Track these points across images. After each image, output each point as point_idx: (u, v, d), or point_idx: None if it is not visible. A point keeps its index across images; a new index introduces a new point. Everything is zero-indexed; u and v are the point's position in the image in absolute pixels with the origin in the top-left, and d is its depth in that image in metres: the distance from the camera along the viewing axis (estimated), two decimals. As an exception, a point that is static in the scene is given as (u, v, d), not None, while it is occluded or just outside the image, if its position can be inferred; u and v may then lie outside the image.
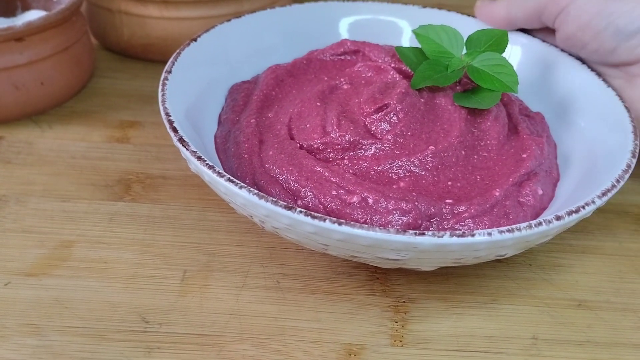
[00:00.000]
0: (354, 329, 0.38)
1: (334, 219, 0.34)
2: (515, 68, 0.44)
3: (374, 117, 0.42)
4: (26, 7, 0.58)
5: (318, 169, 0.39)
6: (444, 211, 0.38)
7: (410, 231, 0.33)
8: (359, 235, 0.33)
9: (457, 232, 0.33)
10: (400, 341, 0.37)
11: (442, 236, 0.33)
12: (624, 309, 0.40)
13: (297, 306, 0.39)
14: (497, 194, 0.39)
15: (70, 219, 0.44)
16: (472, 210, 0.38)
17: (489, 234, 0.34)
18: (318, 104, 0.44)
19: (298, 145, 0.42)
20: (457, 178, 0.41)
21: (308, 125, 0.42)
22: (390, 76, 0.45)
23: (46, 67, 0.52)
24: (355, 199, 0.38)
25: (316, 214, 0.34)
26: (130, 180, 0.48)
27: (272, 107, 0.47)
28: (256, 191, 0.35)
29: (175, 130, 0.39)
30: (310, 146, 0.41)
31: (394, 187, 0.40)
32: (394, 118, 0.42)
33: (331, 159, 0.41)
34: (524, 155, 0.42)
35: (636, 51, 0.43)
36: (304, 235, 0.35)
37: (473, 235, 0.33)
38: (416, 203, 0.38)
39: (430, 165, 0.40)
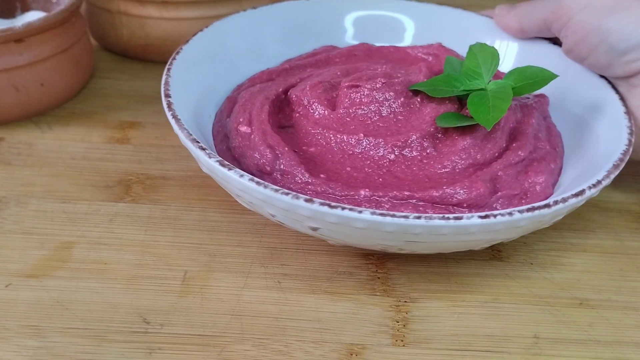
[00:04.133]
0: (356, 328, 0.38)
1: (184, 128, 0.39)
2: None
3: (344, 91, 0.45)
4: (25, 8, 0.58)
5: (255, 99, 0.45)
6: (296, 174, 0.40)
7: (212, 153, 0.37)
8: (185, 142, 0.39)
9: (283, 191, 0.35)
10: (402, 341, 0.37)
11: (226, 167, 0.36)
12: (626, 307, 0.40)
13: (298, 306, 0.39)
14: (363, 193, 0.39)
15: (71, 220, 0.44)
16: (319, 188, 0.39)
17: (254, 182, 0.35)
18: (338, 73, 0.48)
19: (282, 90, 0.47)
20: (359, 169, 0.42)
21: (308, 82, 0.46)
22: (414, 75, 0.46)
23: (46, 68, 0.52)
24: (244, 128, 0.43)
25: (182, 125, 0.39)
26: (130, 181, 0.48)
27: (318, 69, 0.50)
28: (175, 114, 0.40)
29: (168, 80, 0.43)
30: (289, 95, 0.46)
31: (304, 148, 0.43)
32: (356, 99, 0.44)
33: (291, 110, 0.46)
34: (444, 187, 0.39)
35: (629, 67, 0.43)
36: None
37: (259, 185, 0.35)
38: (278, 154, 0.41)
39: (346, 147, 0.42)
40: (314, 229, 0.37)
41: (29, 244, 0.42)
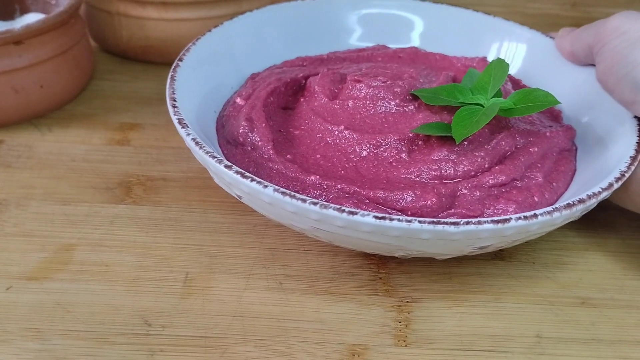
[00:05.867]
0: (358, 329, 0.38)
1: (171, 93, 0.42)
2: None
3: (347, 84, 0.45)
4: (25, 10, 0.58)
5: (268, 78, 0.47)
6: (263, 149, 0.42)
7: (177, 110, 0.40)
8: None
9: (211, 154, 0.37)
10: (404, 341, 0.37)
11: (182, 125, 0.39)
12: (628, 306, 0.40)
13: (300, 307, 0.39)
14: (312, 178, 0.40)
15: (71, 222, 0.44)
16: (276, 166, 0.41)
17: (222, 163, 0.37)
18: (363, 69, 0.48)
19: (302, 75, 0.48)
20: (328, 158, 0.42)
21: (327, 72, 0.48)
22: (431, 81, 0.46)
23: (45, 70, 0.52)
24: (238, 100, 0.46)
25: (175, 103, 0.41)
26: (131, 183, 0.47)
27: (355, 64, 0.51)
28: (177, 111, 0.41)
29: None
30: (307, 81, 0.48)
31: (290, 129, 0.45)
32: (353, 94, 0.45)
33: (302, 94, 0.48)
34: (395, 190, 0.39)
35: None
36: None
37: (197, 145, 0.38)
38: (254, 129, 0.43)
39: (324, 135, 0.43)
40: (239, 197, 0.39)
41: (30, 247, 0.42)
